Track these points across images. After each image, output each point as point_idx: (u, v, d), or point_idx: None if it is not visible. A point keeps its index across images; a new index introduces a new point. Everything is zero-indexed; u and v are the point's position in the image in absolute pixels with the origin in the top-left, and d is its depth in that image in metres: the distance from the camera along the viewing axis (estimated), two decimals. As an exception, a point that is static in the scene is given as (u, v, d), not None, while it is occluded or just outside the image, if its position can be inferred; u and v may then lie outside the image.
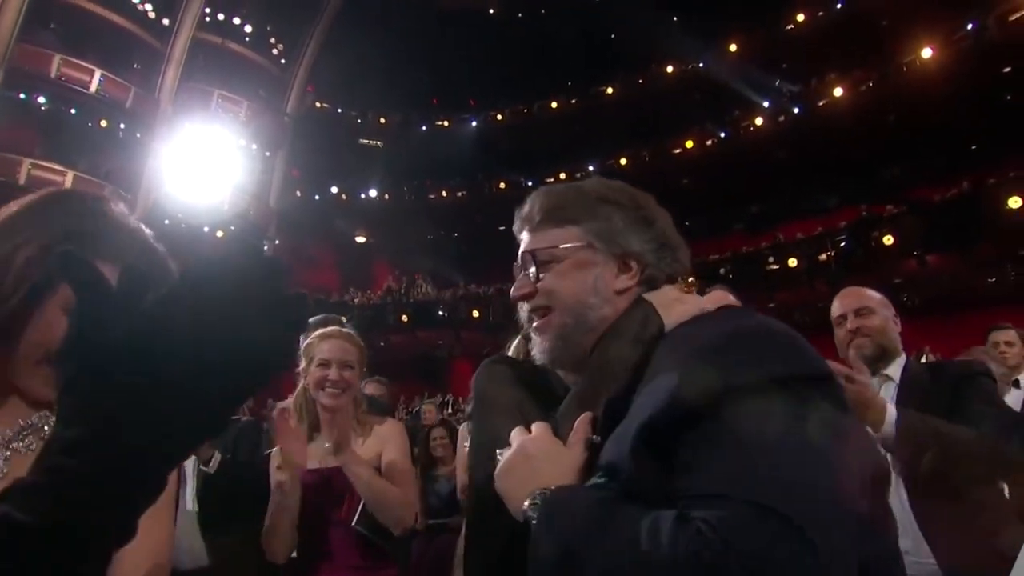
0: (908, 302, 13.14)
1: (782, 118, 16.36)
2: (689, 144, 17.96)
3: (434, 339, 17.88)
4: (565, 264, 0.94)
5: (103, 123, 16.43)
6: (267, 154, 19.27)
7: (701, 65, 17.93)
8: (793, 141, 16.10)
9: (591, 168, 19.25)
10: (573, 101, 19.87)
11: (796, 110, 16.25)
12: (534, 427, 0.84)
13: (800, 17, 16.57)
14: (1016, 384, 3.37)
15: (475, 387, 1.13)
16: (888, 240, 13.54)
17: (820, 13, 16.28)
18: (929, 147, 14.66)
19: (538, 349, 0.96)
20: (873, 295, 2.04)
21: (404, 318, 17.84)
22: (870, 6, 15.46)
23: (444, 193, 20.83)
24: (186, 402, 0.41)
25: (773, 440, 0.64)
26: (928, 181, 14.37)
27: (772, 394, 0.67)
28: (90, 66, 15.41)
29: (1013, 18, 13.29)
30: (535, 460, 0.80)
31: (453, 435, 4.06)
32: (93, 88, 15.42)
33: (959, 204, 12.90)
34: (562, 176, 19.58)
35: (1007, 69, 13.73)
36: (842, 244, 14.12)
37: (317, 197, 20.63)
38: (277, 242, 18.83)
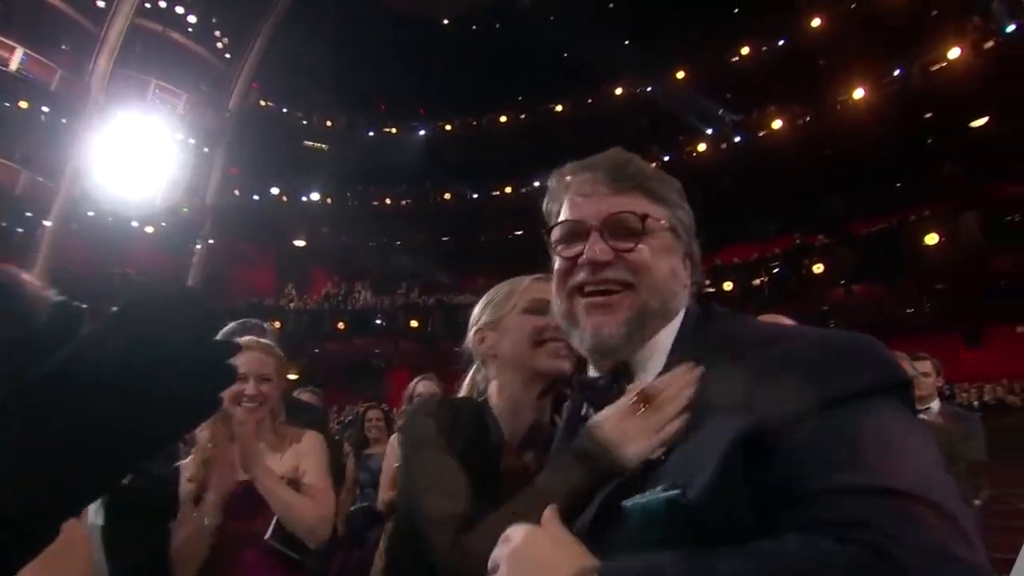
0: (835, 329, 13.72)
1: (724, 146, 16.88)
2: (638, 167, 18.35)
3: (371, 347, 17.55)
4: (655, 241, 0.85)
5: (22, 104, 15.49)
6: (205, 150, 18.61)
7: (649, 89, 18.38)
8: (734, 169, 16.63)
9: (536, 184, 19.44)
10: (523, 116, 20.01)
11: (738, 139, 16.79)
12: (544, 520, 0.74)
13: (745, 51, 17.22)
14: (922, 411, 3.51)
15: (405, 434, 1.13)
16: (818, 269, 14.14)
17: (764, 48, 16.97)
18: (861, 182, 15.39)
19: (598, 327, 0.83)
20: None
21: (341, 325, 17.45)
22: (810, 46, 16.23)
23: (388, 200, 20.56)
24: (93, 450, 0.39)
25: (896, 437, 0.63)
26: (861, 214, 15.07)
27: (882, 398, 0.66)
28: (11, 43, 14.51)
29: (934, 68, 14.14)
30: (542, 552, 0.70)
31: (389, 421, 4.25)
32: (13, 66, 14.54)
33: (885, 238, 13.59)
34: (508, 190, 19.70)
35: (928, 115, 14.58)
36: (775, 271, 14.63)
37: (256, 197, 20.02)
38: (211, 241, 18.15)
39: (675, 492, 0.67)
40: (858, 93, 15.10)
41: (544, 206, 0.96)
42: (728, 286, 14.96)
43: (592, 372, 0.91)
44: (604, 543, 0.70)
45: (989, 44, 13.56)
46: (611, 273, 0.84)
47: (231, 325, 2.26)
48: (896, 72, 14.76)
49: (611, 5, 18.11)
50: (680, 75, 17.95)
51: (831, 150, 15.37)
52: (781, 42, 16.70)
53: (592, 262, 0.83)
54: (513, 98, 19.78)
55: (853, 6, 15.84)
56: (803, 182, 16.09)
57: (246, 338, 1.93)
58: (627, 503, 0.70)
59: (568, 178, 0.92)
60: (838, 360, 0.69)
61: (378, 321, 17.75)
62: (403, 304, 18.35)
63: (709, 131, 17.71)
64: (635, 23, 17.94)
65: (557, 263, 0.89)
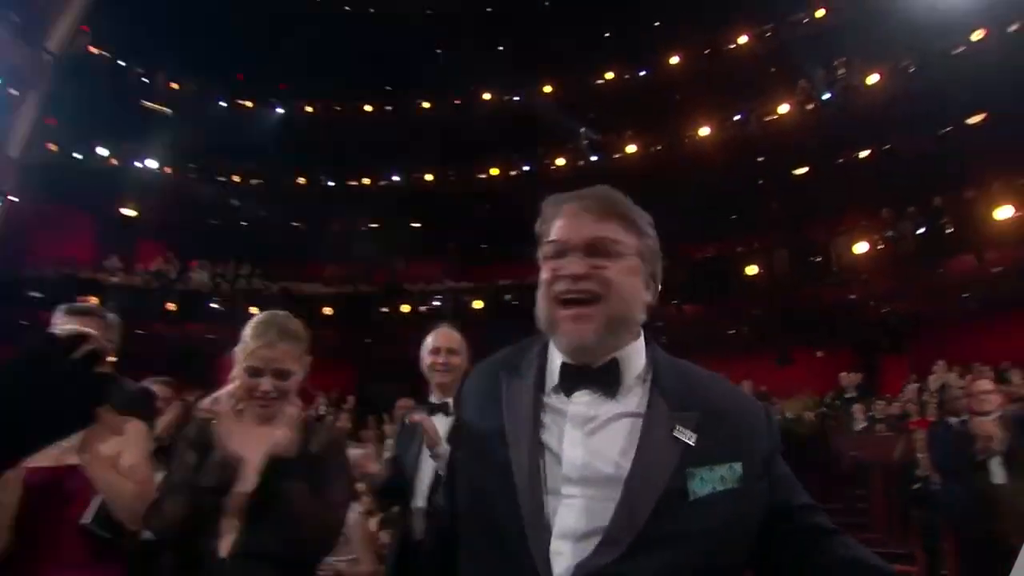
0: (666, 343, 14.86)
1: (582, 163, 17.59)
2: (494, 171, 18.55)
3: (204, 332, 16.22)
4: (624, 263, 1.07)
5: None
6: (14, 92, 16.13)
7: (517, 99, 18.73)
8: (590, 185, 17.34)
9: (396, 179, 19.08)
10: (388, 108, 19.54)
11: (594, 158, 17.58)
12: None
13: (609, 75, 18.12)
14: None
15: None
16: (656, 287, 15.22)
17: (627, 76, 17.98)
18: (699, 210, 16.76)
19: (574, 333, 1.03)
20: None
21: (172, 306, 15.98)
22: (667, 80, 17.44)
23: (236, 177, 19.11)
24: None
25: None
26: (696, 239, 16.37)
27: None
28: None
29: (767, 119, 15.82)
30: None
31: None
32: None
33: (715, 263, 14.94)
34: (366, 181, 19.13)
35: (760, 159, 16.24)
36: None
37: (79, 156, 17.70)
38: (15, 199, 15.80)
39: (720, 489, 0.97)
40: (704, 130, 16.46)
41: (536, 227, 1.18)
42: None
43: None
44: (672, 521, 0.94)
45: (811, 106, 15.41)
46: (585, 284, 1.04)
47: (64, 306, 2.10)
48: (737, 117, 16.26)
49: (488, 9, 18.20)
50: (547, 89, 18.50)
51: (676, 178, 16.58)
52: (642, 72, 17.80)
53: (571, 275, 1.04)
54: (380, 88, 19.25)
55: (707, 51, 17.28)
56: (649, 205, 17.14)
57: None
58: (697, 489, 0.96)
59: (560, 206, 1.14)
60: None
61: (213, 305, 16.47)
62: (244, 289, 17.18)
63: (569, 146, 18.40)
64: (509, 31, 18.24)
65: (544, 274, 1.10)
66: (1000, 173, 11.82)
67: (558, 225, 1.11)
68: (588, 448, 1.00)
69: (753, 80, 16.19)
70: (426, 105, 19.43)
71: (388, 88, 19.35)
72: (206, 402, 1.89)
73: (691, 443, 0.98)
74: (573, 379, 1.05)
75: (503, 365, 1.14)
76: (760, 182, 16.48)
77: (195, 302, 16.47)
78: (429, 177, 18.84)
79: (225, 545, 1.69)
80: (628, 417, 1.03)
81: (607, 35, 18.31)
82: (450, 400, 2.69)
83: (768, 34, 16.67)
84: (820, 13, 16.09)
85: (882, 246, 12.56)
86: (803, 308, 13.90)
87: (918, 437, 6.97)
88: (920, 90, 13.65)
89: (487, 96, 19.02)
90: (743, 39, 16.98)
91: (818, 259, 13.50)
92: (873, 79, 14.63)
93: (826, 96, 15.23)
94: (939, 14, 13.54)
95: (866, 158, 15.36)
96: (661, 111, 17.17)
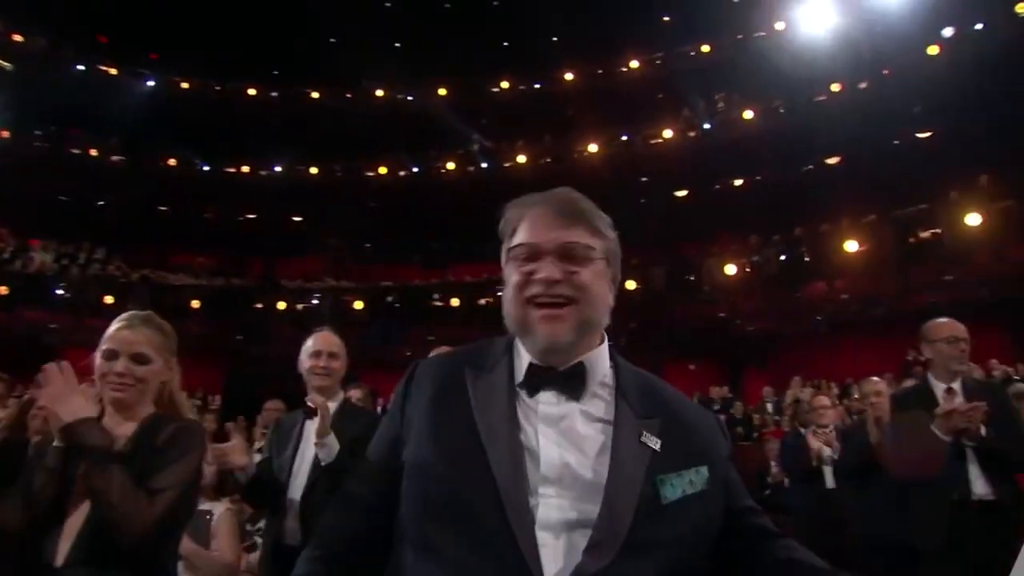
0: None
1: (471, 168, 17.53)
2: (383, 170, 18.09)
3: (45, 321, 14.51)
4: (594, 267, 1.09)
5: None
6: None
7: (410, 98, 18.39)
8: (480, 191, 17.31)
9: (277, 169, 18.12)
10: (273, 93, 18.55)
11: (485, 164, 17.58)
12: None
13: (505, 84, 18.23)
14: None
15: None
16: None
17: (521, 87, 18.18)
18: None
19: (549, 333, 1.04)
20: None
21: (3, 290, 14.16)
22: (560, 94, 17.82)
23: (94, 151, 17.30)
24: None
25: None
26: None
27: None
28: None
29: (652, 141, 16.62)
30: None
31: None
32: None
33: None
34: (245, 169, 18.02)
35: (644, 179, 16.93)
36: (499, 292, 15.53)
37: None
38: None
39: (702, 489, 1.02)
40: (592, 147, 16.95)
41: (500, 227, 1.17)
42: (455, 302, 15.45)
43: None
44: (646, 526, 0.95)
45: (692, 133, 16.30)
46: (560, 289, 1.05)
47: None
48: (624, 137, 16.88)
49: (388, 4, 17.79)
50: (442, 91, 18.31)
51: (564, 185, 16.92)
52: (537, 85, 18.06)
53: (547, 279, 1.04)
54: (266, 70, 18.22)
55: (600, 71, 17.83)
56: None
57: None
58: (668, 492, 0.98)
59: (527, 208, 1.13)
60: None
61: (60, 291, 14.82)
62: (97, 275, 15.57)
63: (460, 151, 18.29)
64: (407, 29, 17.89)
65: (515, 277, 1.08)
66: (850, 211, 13.08)
67: (528, 228, 1.11)
68: (563, 449, 1.00)
69: (641, 103, 16.91)
70: (315, 95, 18.62)
71: (275, 73, 18.37)
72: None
73: (657, 449, 1.01)
74: (540, 379, 1.06)
75: (466, 362, 1.12)
76: (642, 201, 17.18)
77: (35, 286, 14.72)
78: (314, 170, 18.04)
79: (62, 553, 1.58)
80: (596, 421, 1.05)
81: (505, 44, 18.43)
82: (330, 403, 2.69)
83: (658, 62, 17.50)
84: (706, 48, 17.11)
85: (749, 269, 13.47)
86: (676, 323, 14.56)
87: (770, 447, 7.46)
88: (788, 129, 14.87)
89: (380, 92, 18.53)
90: (634, 63, 17.70)
91: (691, 278, 14.23)
92: (748, 115, 15.73)
93: (706, 126, 16.16)
94: (807, 65, 14.85)
95: (739, 187, 16.44)
96: (552, 124, 17.51)
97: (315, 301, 15.78)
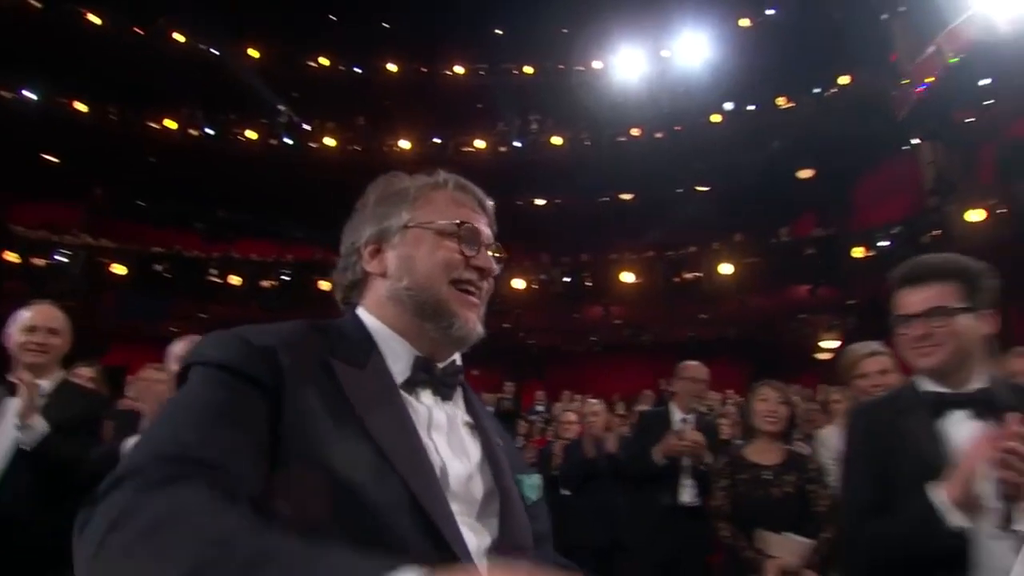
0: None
1: (273, 141, 16.32)
2: (170, 123, 16.12)
3: None
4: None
5: None
6: None
7: (214, 52, 16.65)
8: (280, 167, 16.13)
9: (31, 96, 15.32)
10: (39, 5, 15.62)
11: (288, 140, 16.46)
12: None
13: (324, 60, 17.30)
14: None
15: None
16: (324, 286, 14.67)
17: (341, 67, 17.37)
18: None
19: (472, 323, 0.99)
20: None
21: None
22: (380, 83, 17.34)
23: None
24: None
25: None
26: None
27: None
28: None
29: (464, 149, 16.76)
30: None
31: None
32: None
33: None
34: None
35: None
36: (286, 277, 14.56)
37: None
38: None
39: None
40: (405, 143, 16.67)
41: (403, 188, 1.08)
42: (237, 280, 14.23)
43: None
44: None
45: (504, 148, 16.77)
46: (486, 282, 1.04)
47: None
48: (437, 140, 16.85)
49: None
50: (253, 53, 16.85)
51: (369, 183, 16.39)
52: (357, 69, 17.37)
53: (487, 270, 1.04)
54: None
55: (424, 69, 17.65)
56: (345, 200, 16.57)
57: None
58: None
59: (463, 190, 1.09)
60: None
61: None
62: None
63: (263, 121, 16.92)
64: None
65: (444, 253, 0.99)
66: (632, 245, 14.31)
67: (465, 210, 1.05)
68: (459, 461, 0.92)
69: (458, 109, 17.03)
70: (96, 20, 16.04)
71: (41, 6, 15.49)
72: None
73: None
74: (423, 376, 0.96)
75: (327, 348, 0.91)
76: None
77: None
78: (82, 106, 15.52)
79: None
80: (470, 426, 0.99)
81: (331, 17, 17.53)
82: (42, 383, 2.48)
83: (481, 72, 17.74)
84: (529, 70, 17.74)
85: (536, 286, 14.05)
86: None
87: (528, 455, 7.81)
88: (590, 161, 15.94)
89: (179, 36, 16.51)
90: (459, 69, 17.78)
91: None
92: (557, 140, 16.54)
93: (517, 144, 16.69)
94: (614, 106, 16.13)
95: (540, 206, 17.19)
96: (368, 113, 16.95)
97: (62, 258, 13.52)
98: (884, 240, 12.43)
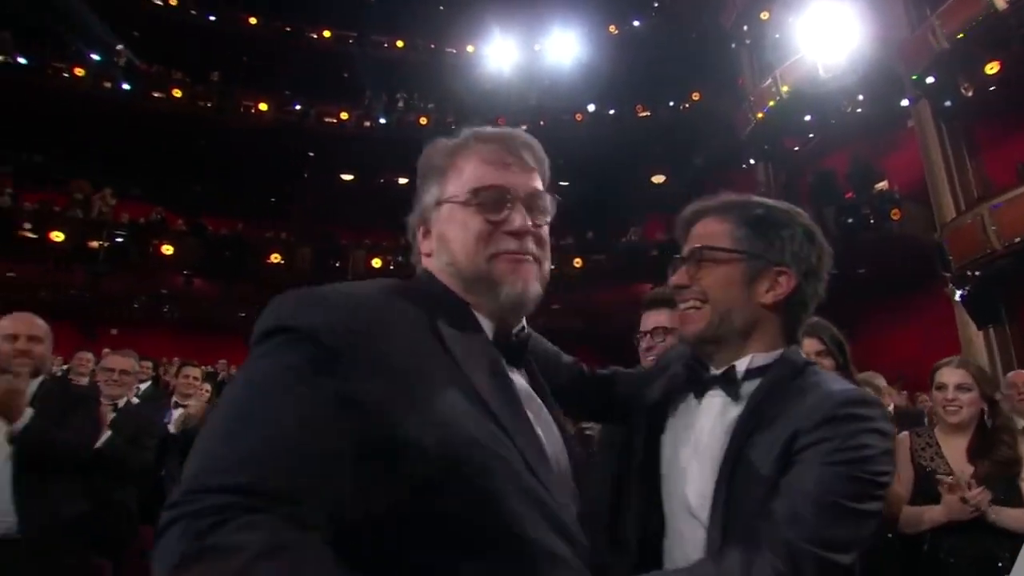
0: (169, 314, 13.48)
1: (107, 84, 14.56)
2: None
3: None
4: (547, 223, 1.00)
5: None
6: None
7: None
8: (112, 112, 14.40)
9: None
10: None
11: (125, 85, 14.78)
12: None
13: (173, 1, 15.75)
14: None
15: None
16: (166, 250, 13.54)
17: (192, 11, 15.91)
18: (241, 188, 15.72)
19: (522, 283, 0.92)
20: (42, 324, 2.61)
21: None
22: (237, 37, 16.10)
23: None
24: None
25: None
26: (225, 216, 15.24)
27: None
28: None
29: (325, 120, 16.17)
30: None
31: None
32: None
33: (235, 242, 14.17)
34: None
35: (311, 154, 16.32)
36: (119, 239, 13.23)
37: None
38: None
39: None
40: (263, 105, 15.67)
41: (428, 160, 0.98)
42: (58, 236, 12.72)
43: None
44: None
45: (367, 123, 16.31)
46: (528, 244, 0.92)
47: None
48: (298, 106, 15.99)
49: None
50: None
51: (217, 143, 15.21)
52: (211, 17, 16.00)
53: (521, 231, 0.91)
54: None
55: (287, 28, 16.61)
56: (182, 162, 15.28)
57: None
58: None
59: (487, 144, 0.95)
60: None
61: None
62: None
63: (98, 61, 15.03)
64: None
65: (476, 225, 0.91)
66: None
67: (488, 169, 0.93)
68: (550, 432, 0.89)
69: (323, 76, 16.25)
70: None
71: None
72: None
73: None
74: (502, 345, 0.91)
75: (426, 310, 0.84)
76: (305, 175, 16.50)
77: None
78: None
79: None
80: (539, 396, 0.94)
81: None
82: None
83: (351, 40, 17.04)
84: (400, 44, 17.30)
85: (392, 267, 13.88)
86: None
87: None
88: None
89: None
90: (327, 33, 16.96)
91: (337, 264, 14.10)
92: (423, 120, 16.33)
93: (382, 120, 16.29)
94: (482, 92, 16.20)
95: (402, 185, 16.93)
96: (222, 67, 15.69)
97: None
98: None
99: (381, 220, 15.66)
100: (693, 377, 1.11)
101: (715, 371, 1.08)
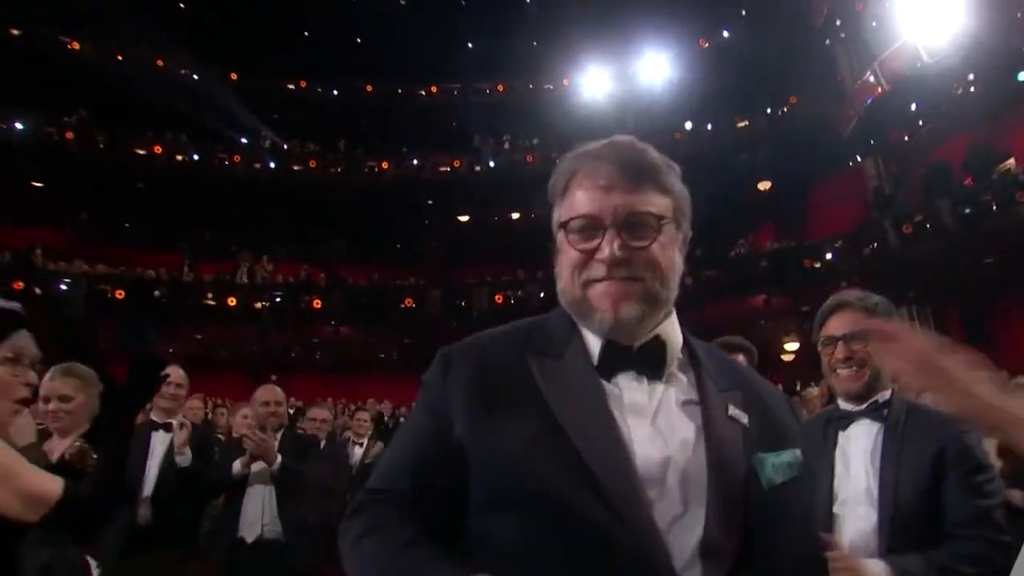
0: (320, 361, 15.30)
1: (258, 165, 16.89)
2: (157, 149, 16.53)
3: None
4: (663, 236, 0.96)
5: None
6: None
7: (194, 76, 16.99)
8: (264, 188, 16.69)
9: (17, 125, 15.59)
10: (16, 31, 15.78)
11: (272, 164, 17.05)
12: None
13: (301, 83, 17.87)
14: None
15: None
16: (317, 304, 15.39)
17: (318, 89, 17.89)
18: (366, 236, 17.52)
19: (613, 311, 0.91)
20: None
21: None
22: (357, 106, 17.88)
23: None
24: None
25: None
26: (356, 262, 16.99)
27: None
28: None
29: (441, 168, 17.51)
30: None
31: None
32: None
33: (373, 291, 15.87)
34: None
35: (430, 202, 17.85)
36: (278, 299, 15.24)
37: None
38: None
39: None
40: (384, 165, 17.41)
41: (550, 184, 1.00)
42: (232, 302, 14.88)
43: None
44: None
45: (478, 167, 17.51)
46: (624, 271, 0.90)
47: None
48: (414, 161, 17.62)
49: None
50: (233, 76, 17.33)
51: (348, 201, 17.09)
52: (335, 91, 17.98)
53: (611, 261, 0.90)
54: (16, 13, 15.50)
55: (399, 90, 18.25)
56: (337, 220, 17.28)
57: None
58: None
59: (581, 166, 0.95)
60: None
61: None
62: None
63: (244, 141, 17.40)
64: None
65: (571, 254, 0.94)
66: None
67: (585, 192, 0.94)
68: (659, 443, 0.87)
69: (433, 129, 17.72)
70: (74, 46, 16.27)
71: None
72: None
73: (747, 424, 0.92)
74: (617, 360, 0.92)
75: (526, 346, 0.95)
76: (426, 222, 18.04)
77: None
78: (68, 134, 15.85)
79: None
80: (684, 404, 0.92)
81: (305, 34, 18.05)
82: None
83: (455, 92, 18.45)
84: (500, 88, 18.49)
85: (513, 301, 14.92)
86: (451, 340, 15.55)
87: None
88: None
89: (160, 63, 16.91)
90: (434, 88, 18.48)
91: (463, 303, 15.36)
92: (529, 158, 17.40)
93: (491, 163, 17.53)
94: (581, 123, 16.86)
95: (516, 220, 18.02)
96: (346, 134, 17.60)
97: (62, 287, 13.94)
98: (829, 253, 13.60)
99: (498, 256, 16.90)
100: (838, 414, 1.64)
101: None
